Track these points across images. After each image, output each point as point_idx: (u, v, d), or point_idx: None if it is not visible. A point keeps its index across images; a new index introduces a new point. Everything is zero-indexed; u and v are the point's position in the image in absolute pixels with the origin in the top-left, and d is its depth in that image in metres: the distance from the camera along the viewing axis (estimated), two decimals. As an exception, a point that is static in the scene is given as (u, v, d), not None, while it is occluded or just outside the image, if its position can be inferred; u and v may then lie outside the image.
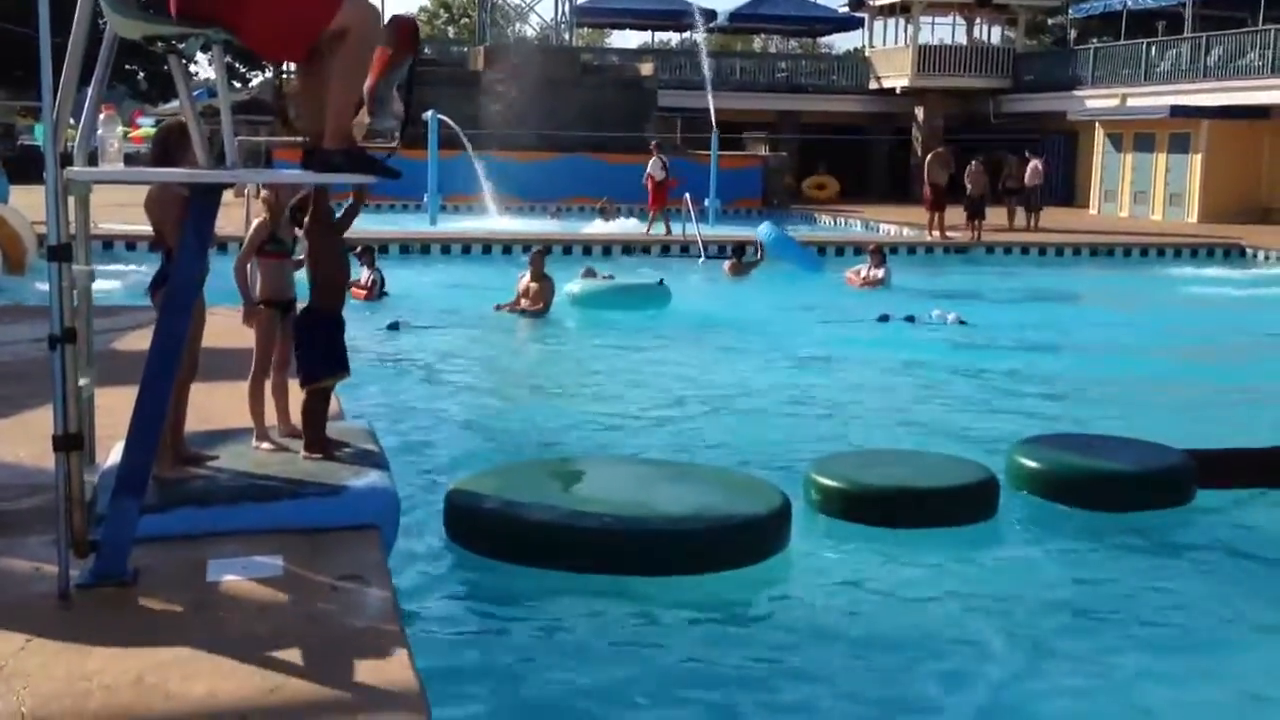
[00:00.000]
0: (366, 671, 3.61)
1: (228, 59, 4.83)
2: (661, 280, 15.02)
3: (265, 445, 5.58)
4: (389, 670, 3.61)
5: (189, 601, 4.11)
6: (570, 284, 14.73)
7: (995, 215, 24.17)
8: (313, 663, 3.67)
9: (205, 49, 4.68)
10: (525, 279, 13.94)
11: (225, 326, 6.39)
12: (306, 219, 5.54)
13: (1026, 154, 26.48)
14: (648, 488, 6.12)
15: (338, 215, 5.64)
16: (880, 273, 17.24)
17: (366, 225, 21.96)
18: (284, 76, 36.78)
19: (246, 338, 5.92)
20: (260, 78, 46.01)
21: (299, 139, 4.42)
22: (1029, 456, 7.01)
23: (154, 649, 3.70)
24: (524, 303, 13.78)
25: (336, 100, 4.22)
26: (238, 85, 48.06)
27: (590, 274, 15.24)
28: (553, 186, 28.44)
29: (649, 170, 23.51)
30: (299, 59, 4.34)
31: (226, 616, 3.99)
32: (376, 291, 14.45)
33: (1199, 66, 30.03)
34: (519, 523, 5.60)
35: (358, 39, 4.15)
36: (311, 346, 5.49)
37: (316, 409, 5.51)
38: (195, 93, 4.66)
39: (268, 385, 5.68)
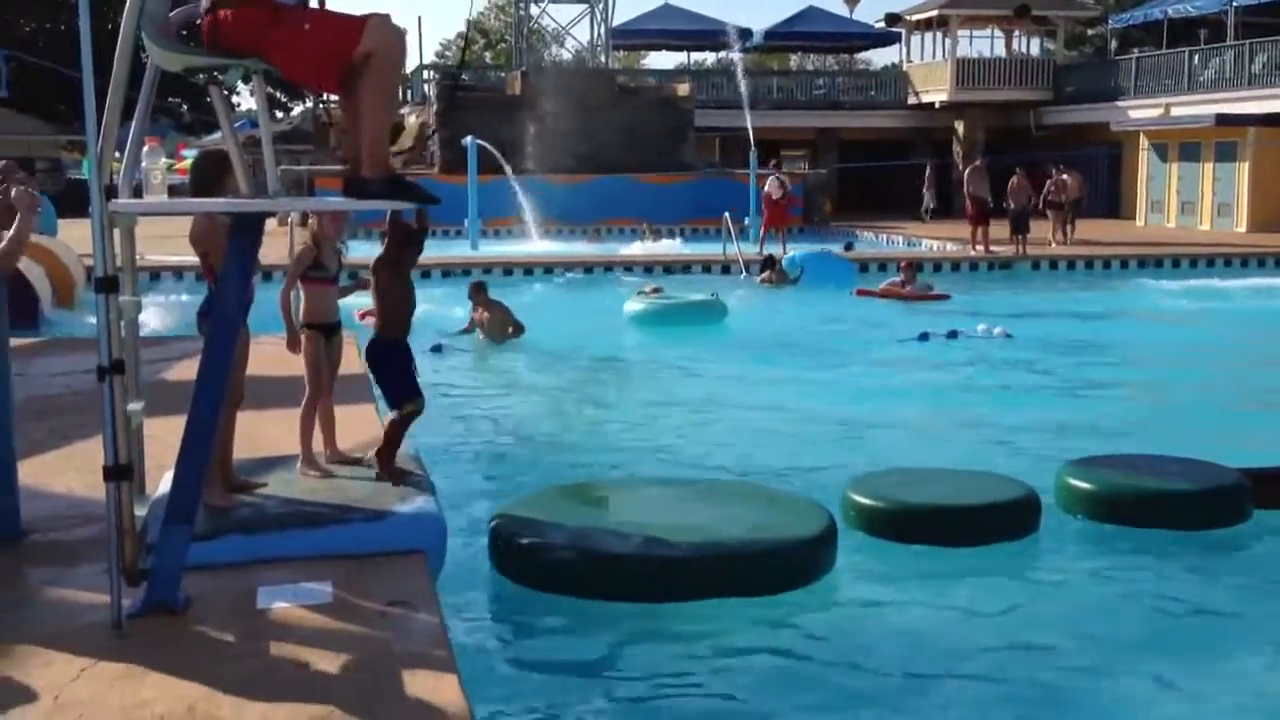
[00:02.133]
0: (417, 696, 3.61)
1: (269, 89, 4.87)
2: (715, 294, 15.09)
3: (312, 471, 5.61)
4: (439, 695, 3.60)
5: (240, 629, 4.13)
6: (628, 302, 15.03)
7: (1038, 229, 23.89)
8: (363, 688, 3.67)
9: (246, 79, 4.72)
10: (478, 310, 13.70)
11: (271, 354, 6.44)
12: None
13: (1060, 167, 26.06)
14: (691, 511, 6.06)
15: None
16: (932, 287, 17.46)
17: (409, 251, 22.13)
18: (325, 105, 37.20)
19: (292, 365, 5.98)
20: (301, 107, 46.55)
21: (341, 167, 4.44)
22: (1080, 477, 6.90)
23: (206, 677, 3.71)
24: (480, 334, 13.52)
25: (368, 127, 4.23)
26: (279, 115, 48.64)
27: (657, 290, 15.49)
28: (591, 208, 28.53)
29: (766, 188, 23.98)
30: (331, 88, 4.36)
31: (277, 643, 4.00)
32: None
33: (1243, 74, 29.67)
34: (565, 550, 5.56)
35: (382, 64, 4.14)
36: (391, 374, 5.66)
37: (398, 433, 5.62)
38: (238, 123, 4.71)
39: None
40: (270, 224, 5.20)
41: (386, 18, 4.19)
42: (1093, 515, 6.75)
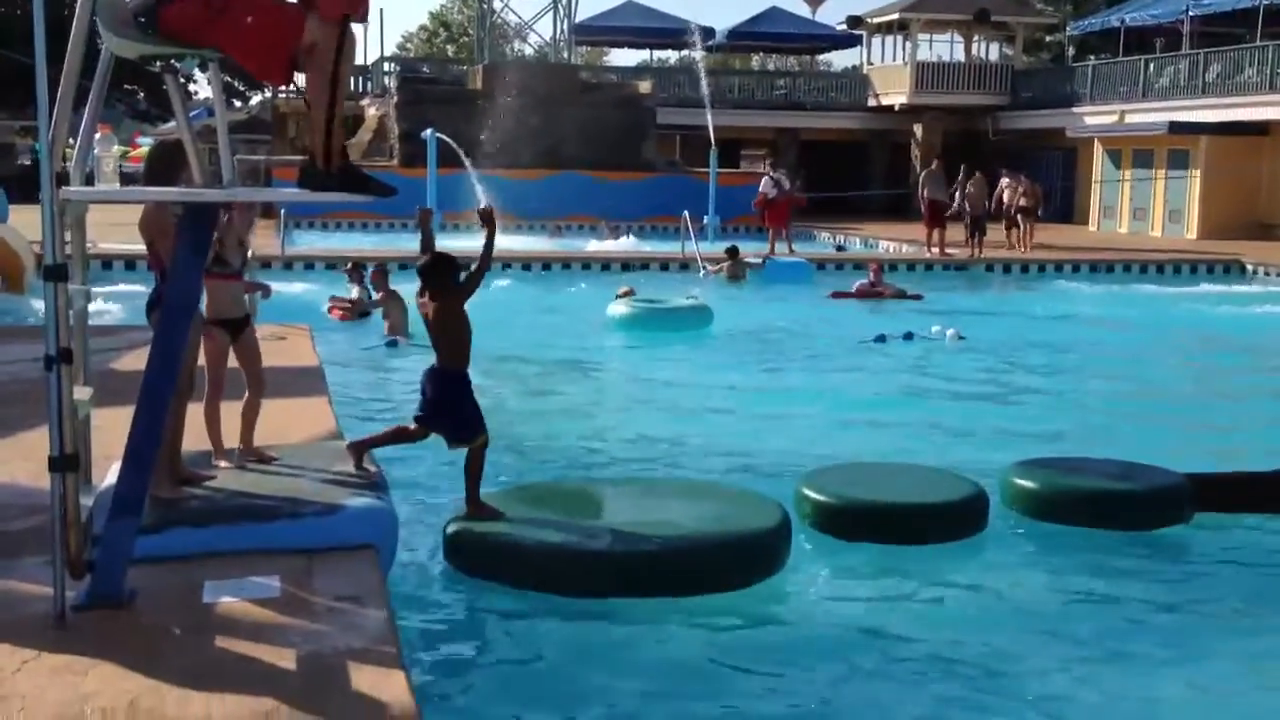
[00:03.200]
0: (363, 693, 3.59)
1: (228, 79, 4.84)
2: (697, 297, 15.02)
3: (225, 464, 5.60)
4: (386, 691, 3.59)
5: (185, 623, 4.09)
6: (611, 305, 14.63)
7: (994, 232, 24.04)
8: (309, 684, 3.65)
9: (204, 68, 4.68)
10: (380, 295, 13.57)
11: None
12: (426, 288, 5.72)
13: (1004, 172, 25.42)
14: (648, 508, 6.07)
15: (462, 277, 5.78)
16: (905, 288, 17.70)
17: (365, 244, 22.01)
18: (283, 95, 36.91)
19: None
20: (260, 96, 46.11)
21: (300, 158, 4.38)
22: (1025, 477, 6.98)
23: (150, 671, 3.68)
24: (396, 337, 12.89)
25: (316, 118, 4.18)
26: (237, 104, 48.19)
27: (629, 292, 15.20)
28: (551, 204, 28.51)
29: (760, 188, 24.01)
30: (279, 80, 4.30)
31: (222, 638, 3.97)
32: (360, 310, 14.22)
33: (1197, 83, 30.07)
34: (519, 547, 5.54)
35: (325, 54, 4.09)
36: (455, 407, 5.69)
37: (477, 465, 5.72)
38: (194, 112, 4.67)
39: (234, 404, 5.71)
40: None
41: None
42: (1038, 514, 6.82)
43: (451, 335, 5.71)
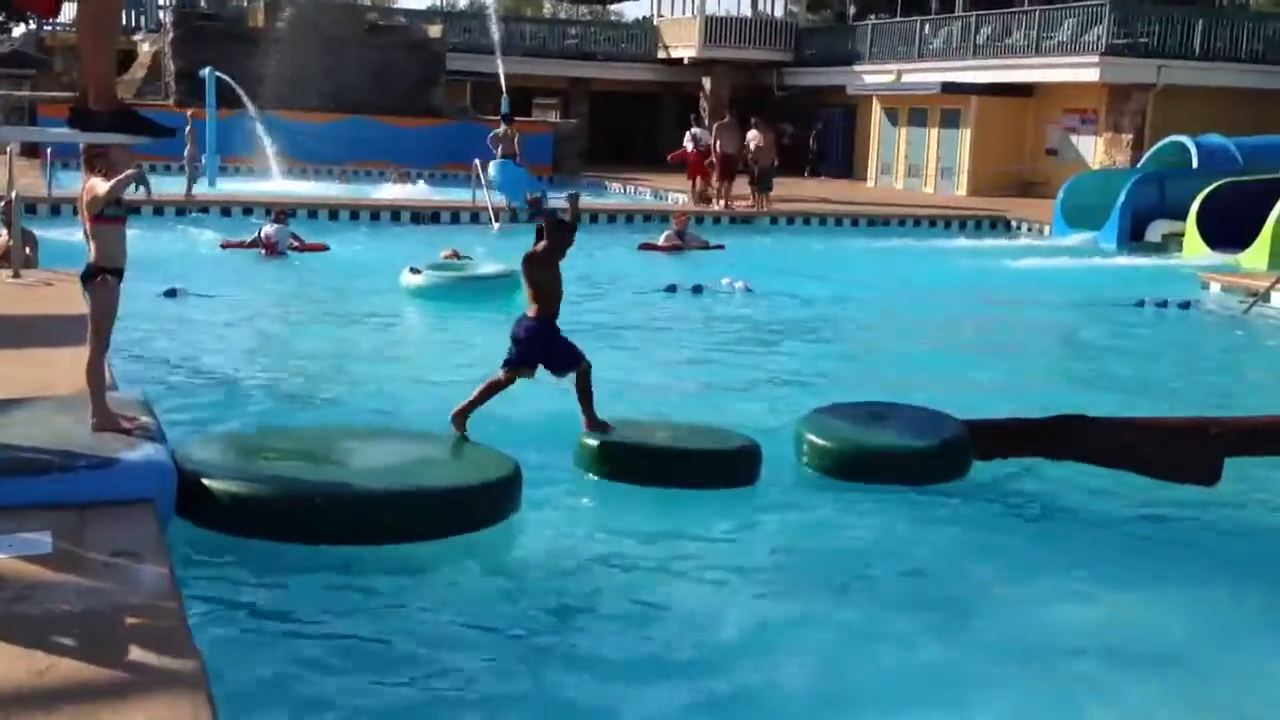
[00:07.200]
0: (143, 649, 3.53)
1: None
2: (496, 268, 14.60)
3: (110, 424, 5.24)
4: (167, 647, 3.54)
5: (-52, 582, 3.92)
6: (410, 274, 12.89)
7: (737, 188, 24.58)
8: (85, 642, 3.56)
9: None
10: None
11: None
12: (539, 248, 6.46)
13: (753, 122, 23.89)
14: (376, 457, 5.95)
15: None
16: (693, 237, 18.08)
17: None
18: (50, 28, 34.78)
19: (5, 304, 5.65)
20: (23, 28, 43.26)
21: (68, 94, 4.18)
22: (813, 429, 7.08)
23: (-90, 633, 3.52)
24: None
25: (88, 56, 4.01)
26: (-3, 36, 45.09)
27: (454, 255, 13.89)
28: (337, 149, 27.85)
29: (684, 143, 24.47)
30: (48, 11, 4.11)
31: (-10, 597, 3.82)
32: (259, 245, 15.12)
33: (969, 45, 31.36)
34: (237, 493, 5.31)
35: None
36: (549, 345, 6.47)
37: (586, 387, 6.53)
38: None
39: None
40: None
41: None
42: (823, 469, 6.93)
43: (543, 290, 6.43)
